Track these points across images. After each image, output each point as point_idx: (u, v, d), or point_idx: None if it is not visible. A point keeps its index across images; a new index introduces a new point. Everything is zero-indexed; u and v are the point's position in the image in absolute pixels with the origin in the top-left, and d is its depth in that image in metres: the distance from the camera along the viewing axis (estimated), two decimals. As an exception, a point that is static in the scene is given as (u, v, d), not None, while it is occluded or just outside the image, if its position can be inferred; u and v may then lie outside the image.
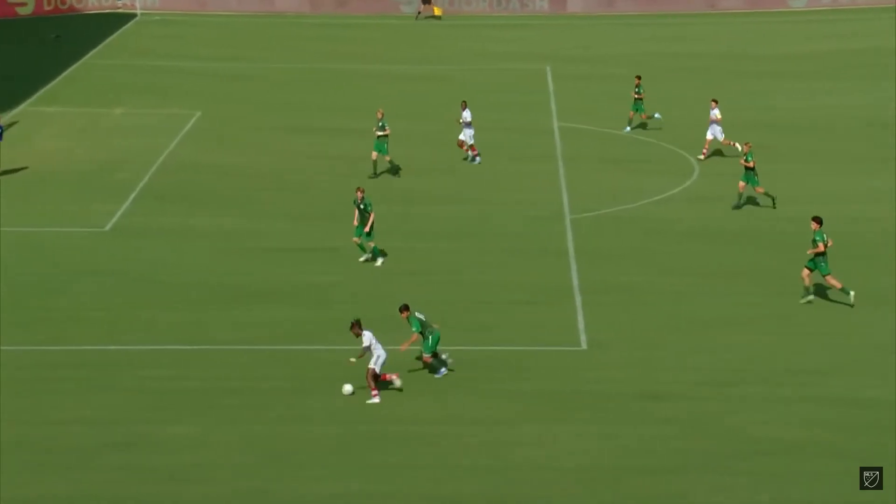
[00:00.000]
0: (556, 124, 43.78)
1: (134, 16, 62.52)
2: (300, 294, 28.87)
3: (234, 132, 42.21)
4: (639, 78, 42.23)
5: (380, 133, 36.97)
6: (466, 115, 38.69)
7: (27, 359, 25.26)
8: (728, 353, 26.16)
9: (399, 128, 43.47)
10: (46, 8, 62.28)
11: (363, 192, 30.68)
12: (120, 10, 63.56)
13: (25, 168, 37.42)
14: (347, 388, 23.97)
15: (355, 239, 30.53)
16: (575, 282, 29.83)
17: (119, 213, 33.97)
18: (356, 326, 23.96)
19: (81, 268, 30.08)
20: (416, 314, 24.62)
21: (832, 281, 27.94)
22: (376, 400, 23.68)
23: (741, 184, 34.35)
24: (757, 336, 26.96)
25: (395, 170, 38.08)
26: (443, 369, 24.79)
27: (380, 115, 37.13)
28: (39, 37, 56.26)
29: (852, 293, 27.87)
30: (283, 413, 23.44)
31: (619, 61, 53.37)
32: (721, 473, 21.57)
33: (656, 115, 41.81)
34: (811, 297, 28.16)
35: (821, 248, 27.60)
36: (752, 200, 35.05)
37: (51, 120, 42.77)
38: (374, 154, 37.14)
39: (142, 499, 20.60)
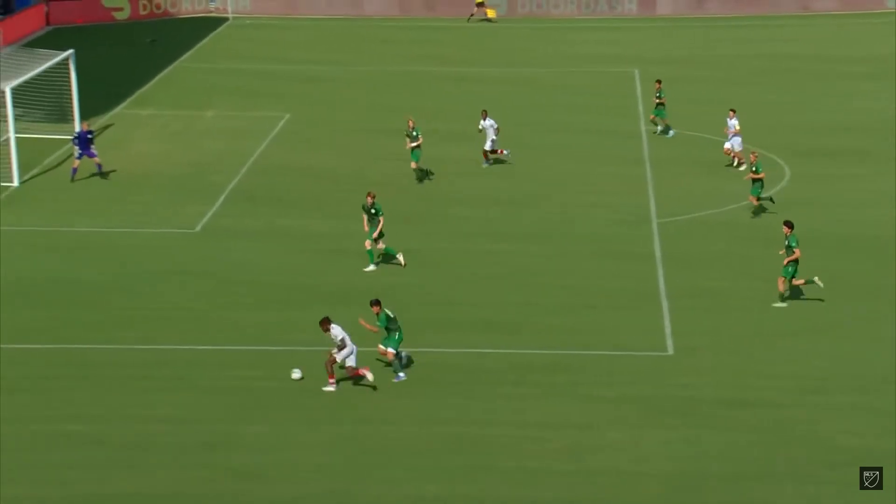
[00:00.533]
0: (643, 127, 43.25)
1: (226, 19, 63.19)
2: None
3: (322, 134, 42.36)
4: (659, 82, 41.52)
5: (413, 144, 36.45)
6: (488, 123, 37.92)
7: (117, 357, 25.47)
8: (817, 360, 25.51)
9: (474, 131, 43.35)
10: (142, 13, 63.23)
11: (374, 196, 30.48)
12: (213, 15, 64.30)
13: (114, 171, 37.91)
14: (296, 373, 24.41)
15: (368, 243, 30.26)
16: (662, 286, 29.36)
17: (209, 215, 34.23)
18: (325, 322, 23.99)
19: (171, 268, 30.32)
20: (387, 311, 24.72)
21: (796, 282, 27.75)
22: (332, 388, 23.85)
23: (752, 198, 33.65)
24: (846, 343, 26.28)
25: (479, 172, 37.88)
26: (401, 374, 24.67)
27: (411, 125, 36.66)
28: (135, 41, 57.12)
29: (816, 278, 27.67)
30: (364, 414, 23.36)
31: (708, 64, 52.62)
32: (807, 483, 21.01)
33: (671, 132, 41.21)
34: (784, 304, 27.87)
35: (797, 254, 27.51)
36: (839, 205, 34.24)
37: (145, 123, 43.27)
38: (413, 164, 36.72)
39: (224, 497, 20.65)
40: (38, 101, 40.47)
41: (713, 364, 25.34)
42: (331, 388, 23.96)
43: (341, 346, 24.05)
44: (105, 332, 26.61)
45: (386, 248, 30.59)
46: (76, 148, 36.42)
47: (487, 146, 38.42)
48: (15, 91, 37.03)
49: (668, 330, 26.92)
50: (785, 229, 28.06)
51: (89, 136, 36.45)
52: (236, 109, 45.56)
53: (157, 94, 47.93)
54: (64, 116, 40.96)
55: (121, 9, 62.81)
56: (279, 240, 32.43)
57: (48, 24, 59.92)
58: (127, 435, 22.47)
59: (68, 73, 40.81)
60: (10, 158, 36.27)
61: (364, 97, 48.12)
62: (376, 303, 24.93)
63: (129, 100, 46.67)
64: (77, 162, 36.38)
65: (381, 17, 64.73)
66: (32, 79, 38.84)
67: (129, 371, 24.87)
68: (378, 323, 24.72)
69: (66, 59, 40.78)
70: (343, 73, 52.39)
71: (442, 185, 37.01)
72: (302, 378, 24.53)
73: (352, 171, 38.48)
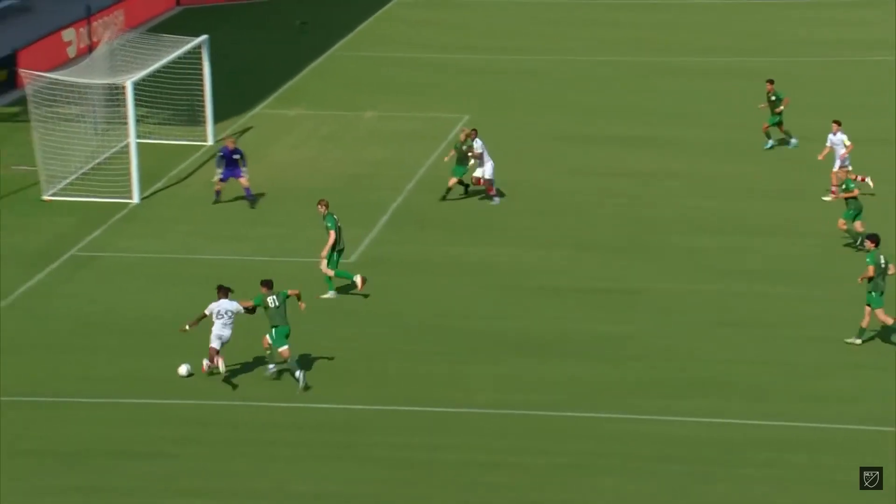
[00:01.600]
0: (915, 135, 42.35)
1: (393, -4, 64.25)
2: (583, 347, 28.78)
3: (509, 141, 42.57)
4: (771, 83, 40.30)
5: (469, 154, 36.25)
6: (477, 145, 36.40)
7: (250, 415, 26.01)
8: None
9: (711, 137, 43.01)
10: (291, -12, 64.71)
11: (325, 205, 31.11)
12: (377, -9, 65.46)
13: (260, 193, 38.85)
14: (183, 369, 26.55)
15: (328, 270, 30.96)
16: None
17: (367, 241, 34.79)
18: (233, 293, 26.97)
19: (320, 306, 30.69)
20: (271, 298, 27.02)
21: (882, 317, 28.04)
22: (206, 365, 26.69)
23: (857, 223, 33.38)
24: None
25: (706, 192, 37.57)
26: (272, 366, 27.11)
27: (463, 137, 36.59)
28: (282, 23, 58.49)
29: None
30: (562, 496, 23.33)
31: None
32: None
33: (793, 140, 40.16)
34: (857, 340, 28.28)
35: (868, 272, 27.99)
36: None
37: (291, 125, 44.28)
38: (452, 180, 36.63)
39: None
40: (164, 97, 41.86)
41: None
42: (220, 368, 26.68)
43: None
44: (243, 385, 27.19)
45: (337, 272, 31.05)
46: (218, 169, 36.71)
47: (488, 174, 36.47)
48: (137, 86, 38.33)
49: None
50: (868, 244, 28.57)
51: (235, 156, 36.52)
52: (403, 109, 46.26)
53: (306, 90, 49.02)
54: (194, 117, 42.23)
55: (266, -16, 64.43)
56: (452, 272, 32.71)
57: (178, 3, 61.98)
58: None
59: (200, 64, 42.14)
60: (129, 169, 37.55)
61: (561, 94, 48.25)
62: (267, 284, 27.21)
63: (272, 96, 47.86)
64: (221, 184, 36.73)
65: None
66: (158, 71, 40.17)
67: (271, 434, 25.29)
68: (254, 302, 27.11)
69: (198, 46, 42.11)
70: (537, 63, 52.68)
71: (666, 207, 36.82)
72: (191, 375, 26.44)
73: (543, 187, 38.61)
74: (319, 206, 31.23)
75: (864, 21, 57.58)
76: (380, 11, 61.29)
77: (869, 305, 28.30)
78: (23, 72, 41.60)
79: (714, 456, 24.53)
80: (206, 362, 27.05)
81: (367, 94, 48.11)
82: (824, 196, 37.03)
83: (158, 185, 38.88)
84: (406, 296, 31.50)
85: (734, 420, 25.76)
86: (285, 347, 26.94)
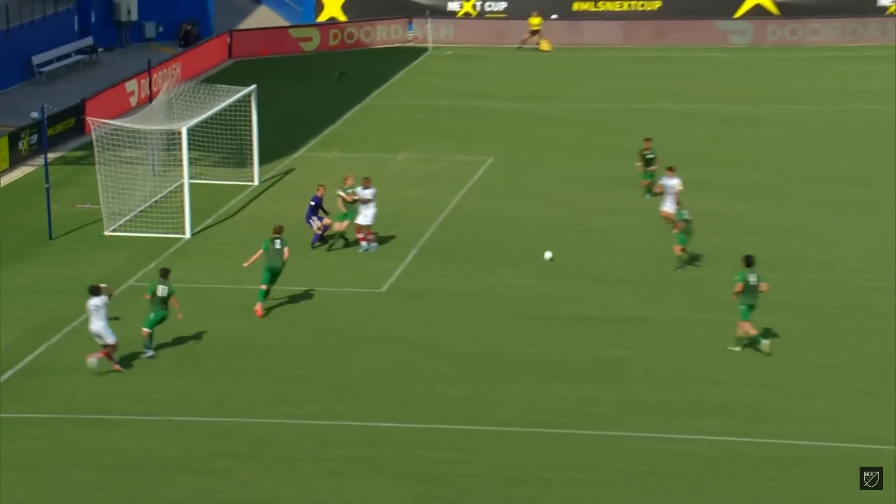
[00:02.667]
0: (920, 177, 42.16)
1: (425, 50, 64.54)
2: (595, 370, 28.69)
3: (530, 181, 42.65)
4: (649, 140, 39.62)
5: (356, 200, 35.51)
6: (367, 193, 35.45)
7: (294, 434, 25.96)
8: None
9: (723, 179, 43.00)
10: (332, 43, 65.15)
11: (279, 231, 31.86)
12: (410, 45, 65.80)
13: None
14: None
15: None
16: (937, 369, 28.42)
17: (398, 272, 34.80)
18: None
19: (354, 333, 30.87)
20: (161, 287, 28.82)
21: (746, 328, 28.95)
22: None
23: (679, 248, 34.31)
24: None
25: (722, 228, 37.45)
26: (149, 351, 28.70)
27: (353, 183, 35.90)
28: (323, 75, 58.79)
29: (765, 342, 28.85)
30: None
31: None
32: None
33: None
34: (738, 347, 29.20)
35: (737, 288, 29.02)
36: None
37: (330, 167, 44.41)
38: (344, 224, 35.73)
39: None
40: (216, 142, 42.07)
41: None
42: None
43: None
44: (282, 404, 27.21)
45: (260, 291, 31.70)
46: (313, 217, 36.04)
47: (368, 220, 35.54)
48: (191, 131, 38.55)
49: (946, 423, 25.98)
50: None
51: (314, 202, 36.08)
52: (432, 152, 46.35)
53: (344, 135, 49.19)
54: (242, 160, 42.43)
55: (309, 39, 64.90)
56: (477, 302, 32.68)
57: (231, 56, 62.38)
58: (302, 524, 22.95)
59: (248, 111, 42.34)
60: (182, 207, 37.74)
61: (580, 139, 48.30)
62: (165, 272, 29.11)
63: (313, 141, 48.04)
64: (320, 226, 36.07)
65: (603, 47, 65.04)
66: (210, 117, 40.36)
67: (308, 450, 25.29)
68: (148, 292, 28.90)
69: (248, 95, 42.33)
70: (557, 110, 52.76)
71: (669, 243, 36.66)
72: (96, 369, 27.74)
73: (563, 223, 38.58)
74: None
75: (880, 73, 57.42)
76: (412, 64, 61.58)
77: (743, 320, 29.06)
78: (89, 119, 41.89)
79: (710, 472, 24.36)
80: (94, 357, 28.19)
81: (399, 138, 48.25)
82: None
83: (208, 221, 39.04)
84: (431, 323, 31.48)
85: (730, 438, 25.59)
86: (148, 330, 28.88)
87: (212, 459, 24.89)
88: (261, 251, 31.70)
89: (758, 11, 66.36)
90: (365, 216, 35.88)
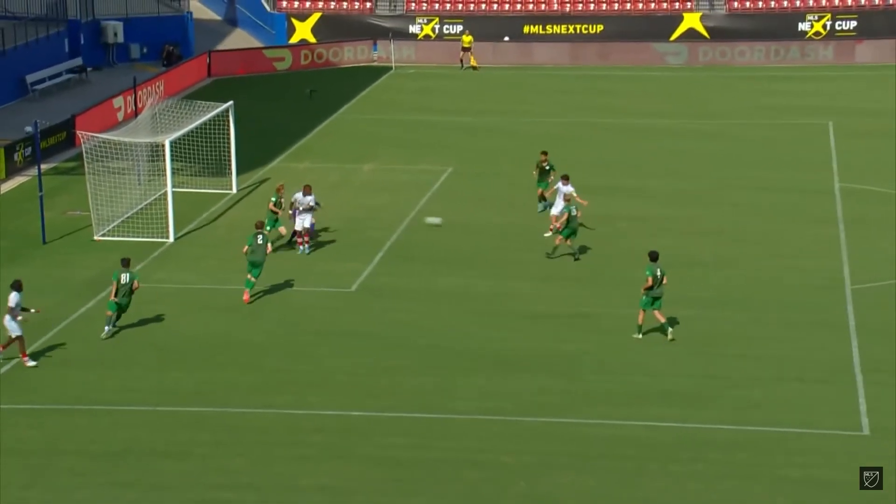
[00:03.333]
0: (837, 185, 42.21)
1: (389, 69, 64.30)
2: (547, 363, 28.56)
3: (487, 189, 42.51)
4: (545, 154, 39.42)
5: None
6: (307, 200, 35.32)
7: (270, 422, 25.70)
8: None
9: (662, 186, 43.06)
10: (303, 62, 64.86)
11: (260, 227, 32.14)
12: (375, 64, 65.55)
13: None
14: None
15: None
16: (856, 359, 28.40)
17: (366, 273, 34.57)
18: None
19: (326, 329, 30.64)
20: (124, 274, 29.45)
21: (657, 315, 29.31)
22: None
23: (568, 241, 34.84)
24: None
25: (659, 231, 37.42)
26: (107, 327, 29.45)
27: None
28: (295, 92, 58.51)
29: (670, 330, 29.21)
30: (529, 490, 23.08)
31: (910, 115, 51.23)
32: None
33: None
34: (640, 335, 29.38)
35: (648, 282, 29.18)
36: None
37: (302, 176, 44.11)
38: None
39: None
40: (196, 153, 41.72)
41: (915, 446, 24.29)
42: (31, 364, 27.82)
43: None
44: (259, 395, 26.95)
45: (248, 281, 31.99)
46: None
47: (306, 225, 35.40)
48: (174, 144, 38.19)
49: (862, 408, 25.96)
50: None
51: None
52: (397, 162, 46.14)
53: (315, 147, 48.90)
54: (221, 170, 42.09)
55: (282, 59, 64.56)
56: (438, 300, 32.52)
57: (210, 75, 61.95)
58: (277, 504, 22.68)
59: (227, 125, 42.00)
60: (166, 214, 37.38)
61: (532, 150, 48.14)
62: (124, 262, 29.73)
63: (286, 152, 47.72)
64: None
65: (552, 66, 65.00)
66: (191, 131, 40.04)
67: (282, 437, 25.07)
68: (113, 277, 29.39)
69: (226, 110, 41.98)
70: (510, 124, 52.67)
71: (620, 244, 36.67)
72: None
73: (517, 227, 38.46)
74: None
75: (802, 91, 57.66)
76: (377, 82, 61.36)
77: (643, 309, 29.36)
78: (80, 133, 41.46)
79: (653, 454, 24.28)
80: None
81: (366, 150, 48.00)
82: (545, 233, 36.73)
83: (191, 226, 38.67)
84: (397, 320, 31.27)
85: (671, 424, 25.53)
86: (111, 312, 29.51)
87: (192, 446, 24.60)
88: (247, 246, 31.86)
89: (691, 34, 66.52)
90: (302, 220, 35.55)
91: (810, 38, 65.54)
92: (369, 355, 29.01)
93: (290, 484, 23.25)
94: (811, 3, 66.48)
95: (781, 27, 66.02)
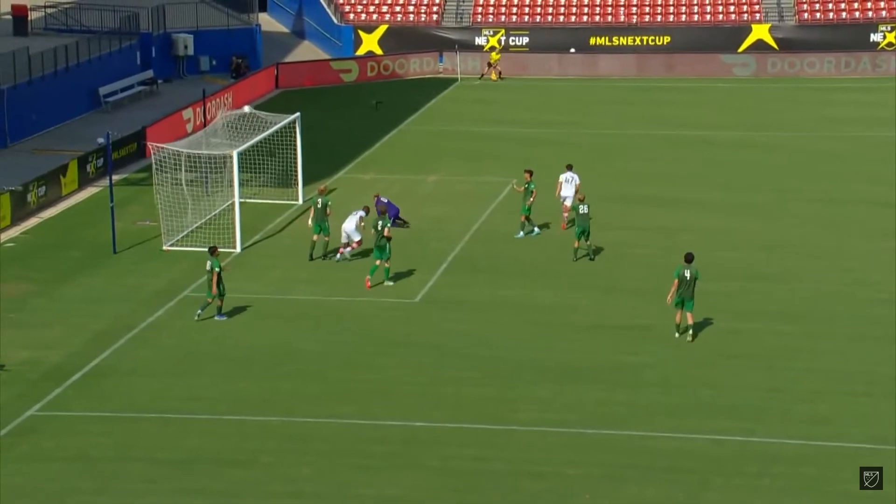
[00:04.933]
0: (904, 197, 41.72)
1: (454, 80, 64.44)
2: (610, 374, 28.45)
3: (548, 201, 42.33)
4: (529, 173, 38.24)
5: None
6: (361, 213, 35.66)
7: (335, 432, 25.76)
8: None
9: (726, 198, 42.74)
10: (370, 74, 65.24)
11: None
12: (441, 76, 65.74)
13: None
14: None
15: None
16: (921, 373, 28.05)
17: (430, 284, 34.63)
18: None
19: (390, 339, 30.71)
20: (209, 262, 30.65)
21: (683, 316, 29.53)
22: None
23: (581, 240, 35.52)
24: None
25: (723, 245, 37.17)
26: (200, 311, 30.83)
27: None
28: (361, 103, 58.81)
29: (691, 332, 29.54)
30: (592, 502, 22.97)
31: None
32: None
33: (536, 229, 37.89)
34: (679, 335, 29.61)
35: (675, 283, 29.50)
36: None
37: (367, 187, 44.30)
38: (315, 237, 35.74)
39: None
40: (263, 165, 42.05)
41: (984, 462, 23.90)
42: None
43: None
44: (323, 404, 27.08)
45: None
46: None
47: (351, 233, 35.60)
48: (241, 155, 38.52)
49: (930, 422, 25.63)
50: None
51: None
52: (460, 174, 46.20)
53: (380, 158, 49.10)
54: (287, 181, 42.39)
55: (349, 70, 64.98)
56: (502, 311, 32.49)
57: (277, 86, 62.46)
58: (341, 514, 22.75)
59: (293, 137, 42.31)
60: (233, 224, 37.69)
61: (596, 161, 48.05)
62: (212, 250, 31.18)
63: (352, 164, 47.96)
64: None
65: (617, 78, 64.81)
66: (259, 142, 40.37)
67: (346, 446, 25.12)
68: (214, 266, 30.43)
69: (293, 122, 42.29)
70: (575, 136, 52.55)
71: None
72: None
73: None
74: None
75: (872, 103, 57.01)
76: (444, 93, 61.53)
77: (680, 308, 29.72)
78: (150, 144, 41.94)
79: (716, 468, 24.11)
80: None
81: (430, 161, 48.12)
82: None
83: (257, 237, 38.96)
84: (460, 330, 31.29)
85: (735, 437, 25.33)
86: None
87: (258, 455, 24.76)
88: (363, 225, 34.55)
89: (759, 46, 66.03)
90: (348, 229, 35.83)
91: (882, 49, 64.77)
92: (432, 366, 29.06)
93: (354, 493, 23.33)
94: (884, 13, 65.71)
95: (852, 38, 65.34)
